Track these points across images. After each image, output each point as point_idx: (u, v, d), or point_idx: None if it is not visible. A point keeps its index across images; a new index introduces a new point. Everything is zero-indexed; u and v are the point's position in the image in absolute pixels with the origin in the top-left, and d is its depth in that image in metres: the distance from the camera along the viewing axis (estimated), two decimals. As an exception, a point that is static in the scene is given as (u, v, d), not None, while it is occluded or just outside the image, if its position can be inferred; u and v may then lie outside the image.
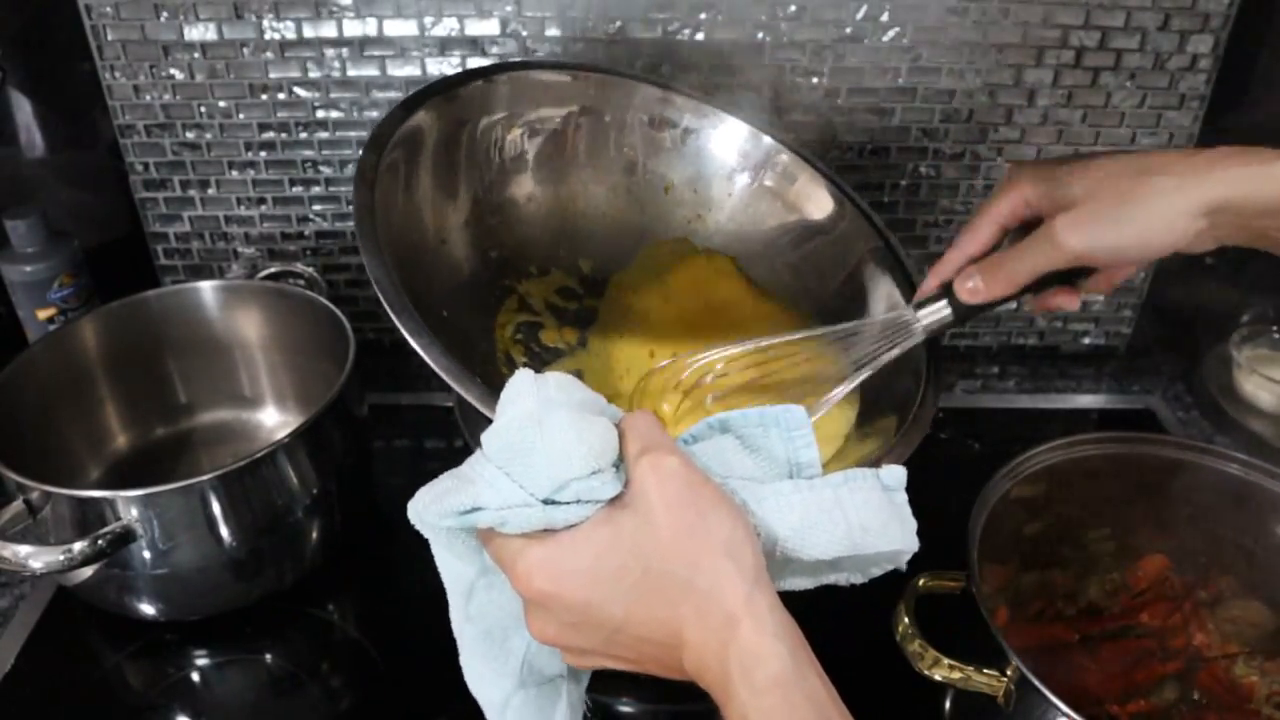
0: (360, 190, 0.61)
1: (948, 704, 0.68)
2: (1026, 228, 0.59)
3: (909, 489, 0.49)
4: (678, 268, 0.80)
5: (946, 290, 0.61)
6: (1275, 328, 0.98)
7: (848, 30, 0.89)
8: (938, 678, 0.60)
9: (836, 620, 0.74)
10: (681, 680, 0.43)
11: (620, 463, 0.42)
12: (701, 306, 0.78)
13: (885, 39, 0.89)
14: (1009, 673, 0.58)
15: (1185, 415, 0.99)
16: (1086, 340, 1.08)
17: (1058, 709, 0.54)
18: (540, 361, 0.75)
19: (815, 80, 0.91)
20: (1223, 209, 0.52)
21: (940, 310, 0.61)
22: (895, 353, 0.62)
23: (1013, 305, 1.01)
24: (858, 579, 0.49)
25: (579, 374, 0.71)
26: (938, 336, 0.64)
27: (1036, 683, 0.55)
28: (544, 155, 0.78)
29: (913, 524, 0.47)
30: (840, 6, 0.88)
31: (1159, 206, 0.53)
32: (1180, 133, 0.95)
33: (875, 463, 0.57)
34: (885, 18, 0.88)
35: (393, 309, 0.55)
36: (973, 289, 0.59)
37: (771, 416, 0.46)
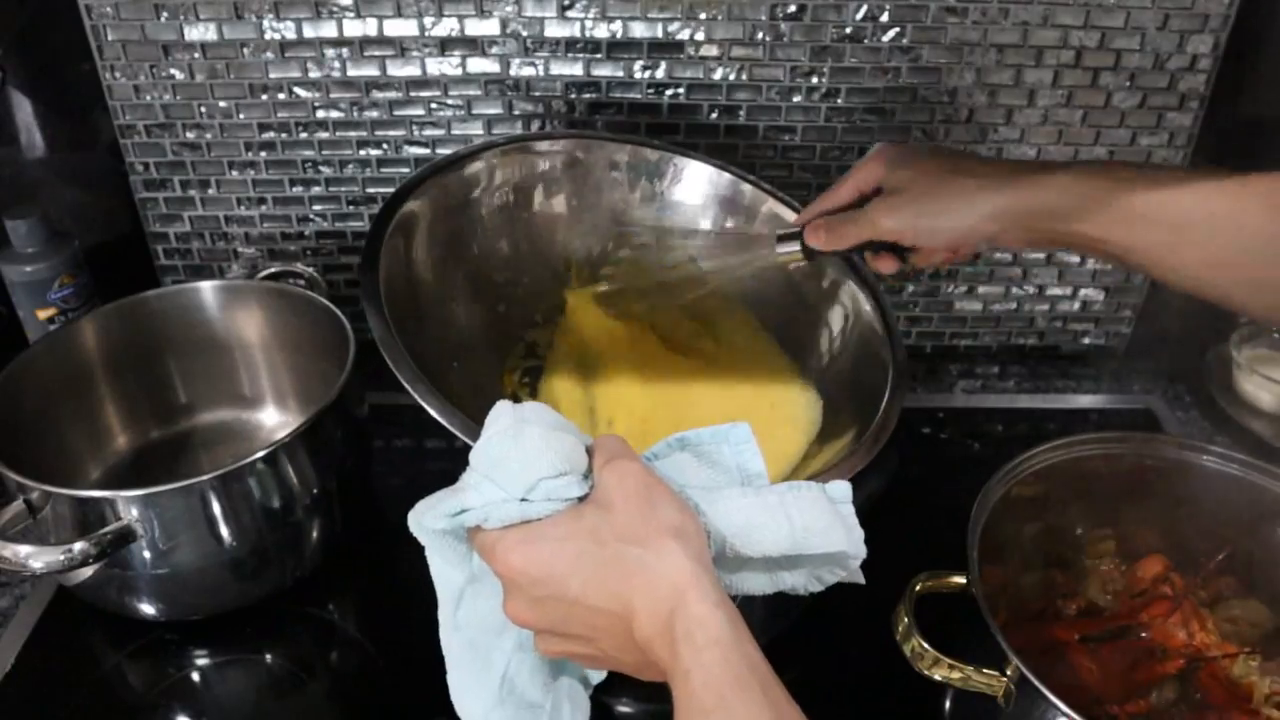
0: (365, 273, 0.68)
1: (948, 704, 0.68)
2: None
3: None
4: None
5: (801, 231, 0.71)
6: (1275, 328, 0.98)
7: (848, 30, 0.89)
8: (938, 678, 0.60)
9: (837, 620, 0.74)
10: (634, 673, 0.47)
11: (589, 474, 0.48)
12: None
13: (885, 39, 0.89)
14: (1009, 673, 0.58)
15: (1185, 415, 0.99)
16: (1086, 340, 1.08)
17: (1058, 709, 0.54)
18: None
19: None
20: (1006, 213, 0.60)
21: (794, 245, 0.71)
22: (748, 261, 0.74)
23: (1012, 305, 1.05)
24: (814, 586, 0.53)
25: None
26: (899, 385, 0.72)
27: (1036, 683, 0.55)
28: (535, 217, 0.84)
29: (859, 532, 0.51)
30: (840, 7, 0.88)
31: (955, 206, 0.62)
32: (1180, 133, 0.95)
33: (824, 477, 0.62)
34: (885, 18, 0.88)
35: (389, 356, 0.63)
36: (816, 237, 0.69)
37: (721, 433, 0.52)
